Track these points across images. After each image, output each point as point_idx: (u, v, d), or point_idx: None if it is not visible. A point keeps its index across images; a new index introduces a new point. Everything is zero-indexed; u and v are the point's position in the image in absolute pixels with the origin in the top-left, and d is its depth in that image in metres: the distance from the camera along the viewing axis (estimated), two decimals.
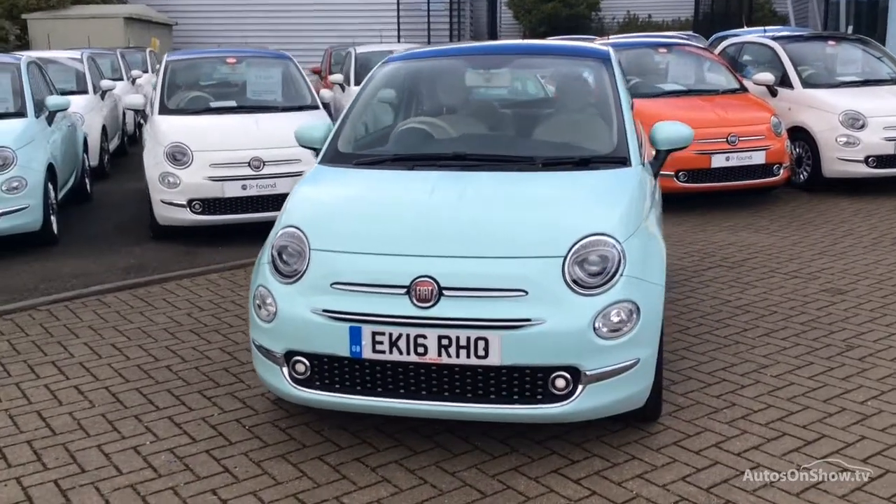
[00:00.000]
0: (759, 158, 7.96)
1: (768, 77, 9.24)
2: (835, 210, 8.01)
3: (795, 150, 8.81)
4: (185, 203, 6.93)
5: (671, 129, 4.16)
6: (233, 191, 6.95)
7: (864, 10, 19.26)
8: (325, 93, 8.88)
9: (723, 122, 8.00)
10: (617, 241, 3.28)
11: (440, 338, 3.12)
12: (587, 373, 3.14)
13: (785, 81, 9.24)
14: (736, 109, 8.34)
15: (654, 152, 4.29)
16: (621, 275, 3.22)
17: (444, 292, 3.15)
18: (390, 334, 3.15)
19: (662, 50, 9.63)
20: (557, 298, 3.15)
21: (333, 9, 24.72)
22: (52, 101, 7.73)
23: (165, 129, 7.32)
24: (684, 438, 3.52)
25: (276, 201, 6.28)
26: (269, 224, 3.81)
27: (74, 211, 8.43)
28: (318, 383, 3.34)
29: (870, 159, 8.36)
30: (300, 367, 3.33)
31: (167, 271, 6.25)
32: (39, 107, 7.59)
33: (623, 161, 3.89)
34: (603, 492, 3.13)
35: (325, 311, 3.24)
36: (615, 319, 3.16)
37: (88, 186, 9.18)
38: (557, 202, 3.55)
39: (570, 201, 3.59)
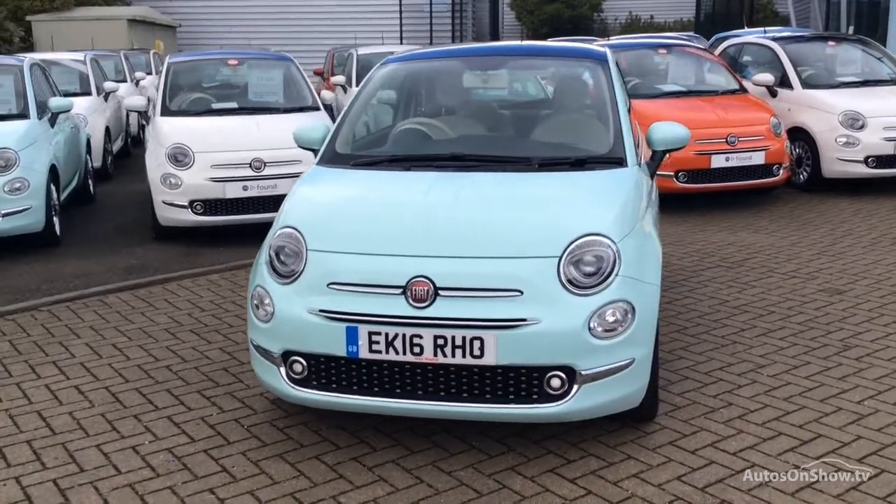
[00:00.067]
0: (758, 159, 7.97)
1: (768, 78, 9.25)
2: (834, 210, 8.02)
3: (795, 150, 8.82)
4: (186, 204, 6.96)
5: (667, 130, 4.17)
6: (234, 192, 6.98)
7: (864, 11, 19.25)
8: (326, 94, 8.91)
9: (722, 123, 8.01)
10: (612, 241, 3.30)
11: (436, 338, 3.14)
12: (582, 372, 3.16)
13: (785, 82, 9.25)
14: (735, 110, 8.34)
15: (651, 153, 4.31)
16: (616, 275, 3.23)
17: (440, 292, 3.17)
18: (386, 334, 3.17)
19: (662, 51, 9.65)
20: (553, 298, 3.16)
21: (336, 11, 24.79)
22: (55, 102, 7.77)
23: (167, 131, 7.36)
24: (680, 438, 3.53)
25: (277, 202, 6.23)
26: (269, 225, 3.83)
27: (78, 212, 8.47)
28: (315, 383, 3.36)
29: (869, 159, 8.37)
30: (297, 367, 3.36)
31: (168, 272, 6.28)
32: (42, 108, 7.63)
33: (619, 161, 3.91)
34: (598, 491, 3.14)
35: (321, 311, 3.26)
36: (610, 319, 3.18)
37: (92, 188, 9.22)
38: (553, 202, 3.56)
39: (566, 202, 3.60)
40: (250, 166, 6.98)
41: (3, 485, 3.29)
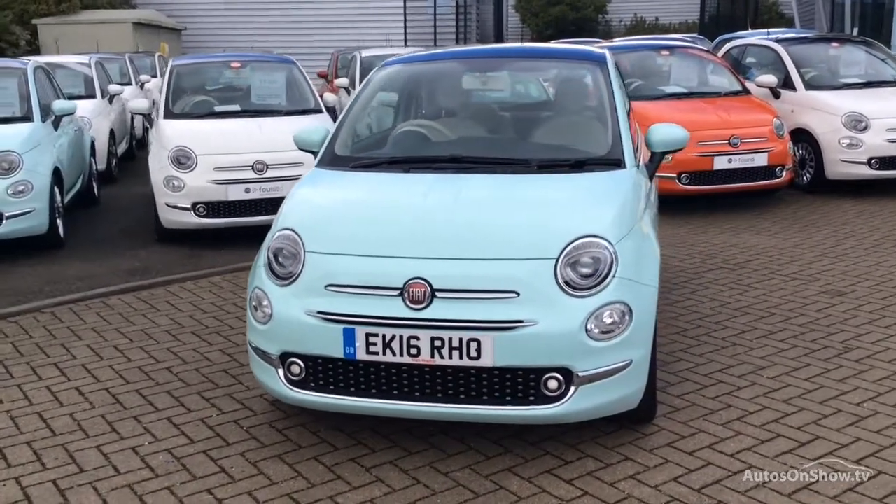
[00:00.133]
0: (761, 160, 7.95)
1: (771, 79, 9.24)
2: (837, 212, 8.00)
3: (798, 152, 8.80)
4: (189, 206, 6.98)
5: (666, 131, 4.17)
6: (236, 194, 7.00)
7: (869, 12, 19.22)
8: (329, 96, 8.92)
9: (725, 125, 8.00)
10: (609, 242, 3.30)
11: (433, 339, 3.14)
12: (579, 374, 3.16)
13: (788, 83, 9.23)
14: (738, 111, 8.33)
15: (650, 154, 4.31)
16: (613, 276, 3.23)
17: (437, 294, 3.18)
18: (384, 336, 3.18)
19: (664, 52, 9.64)
20: (550, 300, 3.17)
21: (341, 13, 24.83)
22: (59, 105, 7.81)
23: (170, 134, 7.39)
24: (678, 440, 3.53)
25: (279, 204, 6.24)
26: (271, 227, 3.84)
27: (82, 214, 8.50)
28: (312, 384, 3.37)
29: (873, 161, 8.35)
30: (295, 369, 3.37)
31: (171, 274, 6.30)
32: (46, 111, 7.66)
33: (617, 163, 3.91)
34: (595, 492, 3.14)
35: (319, 312, 3.27)
36: (607, 321, 3.18)
37: (96, 190, 9.26)
38: (551, 204, 3.57)
39: (564, 203, 3.60)
40: (252, 169, 7.00)
41: (3, 485, 3.31)
